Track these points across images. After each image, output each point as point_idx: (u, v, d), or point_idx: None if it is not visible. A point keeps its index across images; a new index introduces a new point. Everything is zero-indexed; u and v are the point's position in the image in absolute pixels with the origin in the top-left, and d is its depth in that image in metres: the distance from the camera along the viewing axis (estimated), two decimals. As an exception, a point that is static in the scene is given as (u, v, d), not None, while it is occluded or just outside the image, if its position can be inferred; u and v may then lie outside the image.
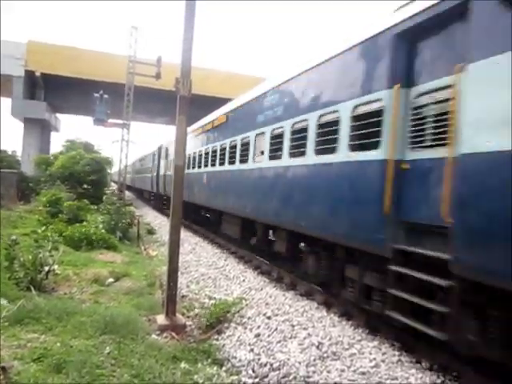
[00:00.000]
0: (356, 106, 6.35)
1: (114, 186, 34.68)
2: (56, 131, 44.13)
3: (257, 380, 4.66)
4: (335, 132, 6.76)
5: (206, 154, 15.10)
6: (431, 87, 5.19)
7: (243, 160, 11.06)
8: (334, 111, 6.88)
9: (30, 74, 32.80)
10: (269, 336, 5.83)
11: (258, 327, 6.16)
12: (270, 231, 10.34)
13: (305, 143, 7.70)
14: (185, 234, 15.03)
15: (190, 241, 14.72)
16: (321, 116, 7.32)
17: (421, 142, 5.27)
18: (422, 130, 5.28)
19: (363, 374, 4.79)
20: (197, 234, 16.61)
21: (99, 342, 5.02)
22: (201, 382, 4.48)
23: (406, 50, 5.61)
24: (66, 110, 41.73)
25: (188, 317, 6.71)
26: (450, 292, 4.58)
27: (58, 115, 42.88)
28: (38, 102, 34.53)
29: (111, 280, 8.18)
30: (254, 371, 4.83)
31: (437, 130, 5.01)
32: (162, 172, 24.09)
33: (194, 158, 16.88)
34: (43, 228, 10.11)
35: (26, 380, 3.95)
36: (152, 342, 5.38)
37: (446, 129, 4.81)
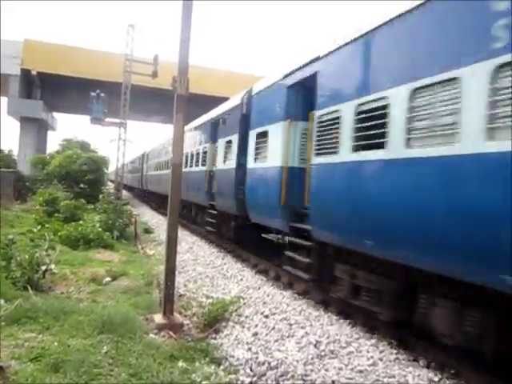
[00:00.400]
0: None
1: (110, 186, 34.63)
2: (53, 130, 44.04)
3: (255, 379, 4.66)
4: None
5: None
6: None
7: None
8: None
9: (26, 73, 32.69)
10: (266, 335, 5.84)
11: (256, 326, 6.16)
12: None
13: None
14: (182, 233, 15.02)
15: (187, 240, 14.72)
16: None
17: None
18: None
19: (361, 372, 4.80)
20: (194, 233, 16.60)
21: (97, 341, 5.01)
22: (199, 380, 4.48)
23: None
24: (62, 108, 41.62)
25: (186, 316, 6.71)
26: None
27: (54, 114, 42.80)
28: (35, 101, 34.44)
29: (108, 279, 8.16)
30: (251, 370, 4.83)
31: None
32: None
33: None
34: (39, 227, 10.10)
35: (24, 380, 3.94)
36: (150, 341, 5.37)
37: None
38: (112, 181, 36.38)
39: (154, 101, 33.96)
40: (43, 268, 7.22)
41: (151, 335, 5.64)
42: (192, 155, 16.73)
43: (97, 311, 5.91)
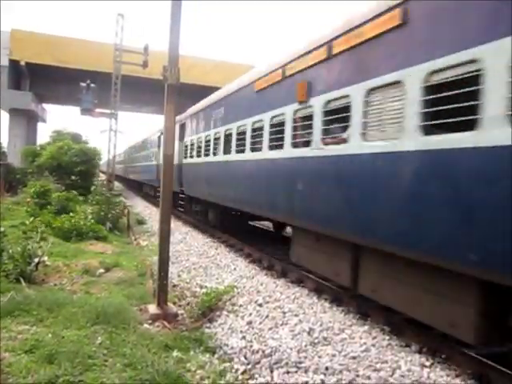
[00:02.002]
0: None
1: (102, 177, 34.41)
2: (43, 122, 43.56)
3: (249, 366, 4.70)
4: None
5: None
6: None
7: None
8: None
9: (14, 64, 32.21)
10: (260, 323, 5.88)
11: (250, 315, 6.20)
12: None
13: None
14: (175, 224, 15.01)
15: (180, 230, 14.71)
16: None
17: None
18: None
19: (354, 358, 4.85)
20: (187, 224, 16.59)
21: (91, 332, 5.02)
22: (193, 369, 4.51)
23: None
24: (52, 100, 41.21)
25: (180, 306, 6.73)
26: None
27: (44, 105, 42.28)
28: (24, 92, 34.03)
29: (102, 270, 8.16)
30: (246, 358, 4.87)
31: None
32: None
33: None
34: (31, 219, 10.04)
35: (18, 371, 3.95)
36: (144, 331, 5.39)
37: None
38: (104, 172, 36.14)
39: (145, 91, 33.67)
40: (36, 260, 7.21)
41: (145, 325, 5.66)
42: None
43: (90, 302, 5.91)
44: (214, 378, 4.36)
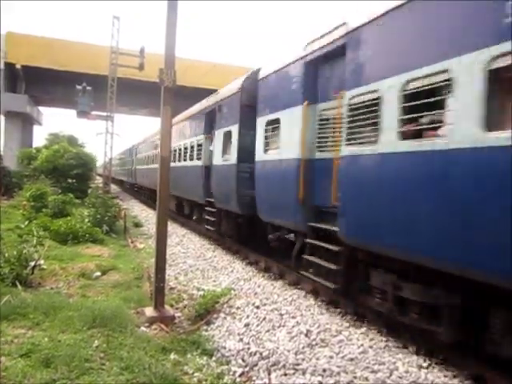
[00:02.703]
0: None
1: (99, 180, 34.34)
2: (39, 124, 43.44)
3: (247, 369, 4.69)
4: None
5: None
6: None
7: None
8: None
9: (10, 67, 32.11)
10: (258, 325, 5.87)
11: (247, 317, 6.19)
12: None
13: None
14: (172, 226, 14.98)
15: (177, 233, 14.69)
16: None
17: None
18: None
19: (351, 360, 4.85)
20: (184, 226, 16.57)
21: (87, 335, 5.00)
22: (191, 372, 4.50)
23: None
24: (48, 102, 41.09)
25: (177, 308, 6.71)
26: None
27: (40, 108, 42.17)
28: (19, 95, 33.92)
29: (98, 274, 8.13)
30: (243, 360, 4.86)
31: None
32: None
33: None
34: (27, 223, 10.01)
35: (14, 375, 3.92)
36: (141, 334, 5.37)
37: None
38: (100, 175, 36.06)
39: (141, 93, 33.62)
40: (32, 264, 7.17)
41: (142, 328, 5.64)
42: None
43: (87, 306, 5.88)
44: (212, 381, 4.35)
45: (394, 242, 5.17)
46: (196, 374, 4.46)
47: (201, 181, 13.18)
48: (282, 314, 6.26)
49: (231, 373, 4.59)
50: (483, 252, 3.97)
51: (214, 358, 4.96)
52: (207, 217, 12.70)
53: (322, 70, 7.21)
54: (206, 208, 12.76)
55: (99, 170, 43.73)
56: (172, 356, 4.79)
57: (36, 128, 43.45)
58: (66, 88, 29.36)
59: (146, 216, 19.77)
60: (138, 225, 16.72)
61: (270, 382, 4.36)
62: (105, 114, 23.34)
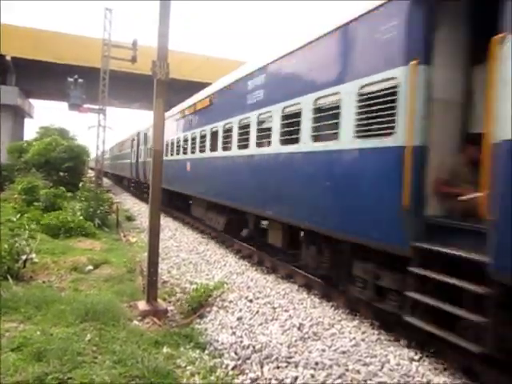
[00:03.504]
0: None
1: (91, 173, 34.14)
2: (30, 117, 43.01)
3: (239, 362, 4.70)
4: None
5: None
6: None
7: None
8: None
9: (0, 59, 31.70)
10: (250, 319, 5.89)
11: (240, 310, 6.20)
12: None
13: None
14: (164, 220, 14.94)
15: (170, 226, 14.66)
16: None
17: None
18: None
19: (344, 353, 4.89)
20: (176, 220, 16.54)
21: (80, 329, 4.98)
22: (183, 365, 4.50)
23: None
24: (39, 95, 40.66)
25: (169, 302, 6.71)
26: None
27: (31, 101, 41.73)
28: (10, 88, 33.48)
29: (90, 267, 8.09)
30: (236, 353, 4.87)
31: None
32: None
33: None
34: (19, 216, 9.93)
35: (6, 369, 3.90)
36: (133, 327, 5.36)
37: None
38: (93, 168, 35.85)
39: (134, 86, 33.38)
40: (23, 257, 7.12)
41: (135, 322, 5.64)
42: None
43: (79, 299, 5.86)
44: (204, 374, 4.35)
45: None
46: (189, 368, 4.46)
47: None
48: (274, 308, 6.29)
49: (224, 366, 4.60)
50: None
51: (206, 352, 4.96)
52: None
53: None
54: None
55: (91, 164, 43.44)
56: (165, 349, 4.79)
57: (27, 121, 43.05)
58: (58, 80, 28.96)
59: (139, 210, 19.70)
60: (130, 218, 16.66)
61: (262, 375, 4.38)
62: (97, 107, 23.10)
